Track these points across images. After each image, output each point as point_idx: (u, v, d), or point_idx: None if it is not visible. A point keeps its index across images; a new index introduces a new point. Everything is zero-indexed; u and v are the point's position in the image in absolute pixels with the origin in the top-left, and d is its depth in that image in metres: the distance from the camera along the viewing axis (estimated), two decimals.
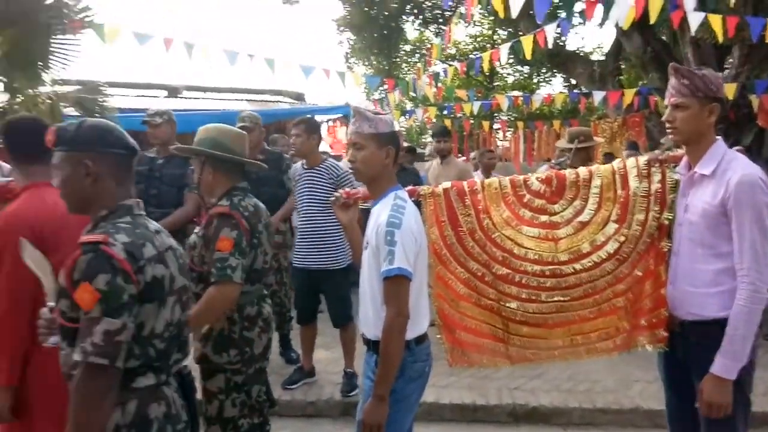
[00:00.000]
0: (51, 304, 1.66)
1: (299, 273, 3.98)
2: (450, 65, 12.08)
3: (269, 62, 6.63)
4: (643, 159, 2.41)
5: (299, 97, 12.96)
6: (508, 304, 2.37)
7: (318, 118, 12.41)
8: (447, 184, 2.45)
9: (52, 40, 5.47)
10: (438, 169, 5.20)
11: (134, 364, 1.49)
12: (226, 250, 2.28)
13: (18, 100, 5.58)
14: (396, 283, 1.92)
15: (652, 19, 4.43)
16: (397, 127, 2.07)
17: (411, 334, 2.01)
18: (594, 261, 2.37)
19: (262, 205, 2.63)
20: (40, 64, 5.51)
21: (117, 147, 1.62)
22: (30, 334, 1.92)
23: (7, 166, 4.54)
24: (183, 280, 1.67)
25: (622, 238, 2.36)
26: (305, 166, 3.92)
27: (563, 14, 7.18)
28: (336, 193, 2.35)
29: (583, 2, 5.53)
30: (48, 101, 5.63)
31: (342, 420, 3.73)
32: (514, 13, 4.95)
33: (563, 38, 10.38)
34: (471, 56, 16.16)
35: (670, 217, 2.28)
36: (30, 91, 5.60)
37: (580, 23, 10.72)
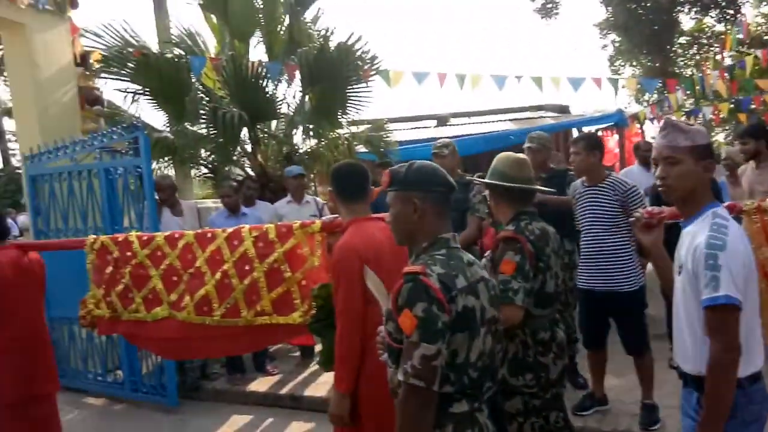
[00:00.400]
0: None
1: (585, 295, 3.80)
2: (742, 53, 10.34)
3: (536, 81, 6.62)
4: None
5: (563, 110, 12.59)
6: None
7: (585, 129, 11.90)
8: None
9: (348, 90, 6.39)
10: (753, 175, 4.37)
11: (449, 389, 1.59)
12: (509, 273, 2.33)
13: (323, 143, 6.65)
14: (723, 313, 1.69)
15: None
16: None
17: (743, 371, 1.75)
18: None
19: (551, 228, 2.61)
20: (340, 111, 6.48)
21: (439, 186, 1.74)
22: (361, 349, 2.22)
23: (312, 200, 5.42)
24: (493, 310, 1.72)
25: None
26: (585, 184, 3.76)
27: None
28: (636, 213, 2.19)
29: None
30: (345, 142, 6.57)
31: None
32: None
33: None
34: (767, 39, 13.64)
35: None
36: (331, 134, 6.62)
37: None
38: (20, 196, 12.61)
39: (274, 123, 6.86)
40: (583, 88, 6.78)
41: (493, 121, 12.13)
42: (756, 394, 1.79)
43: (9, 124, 19.74)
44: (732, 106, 9.30)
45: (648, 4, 12.95)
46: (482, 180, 2.58)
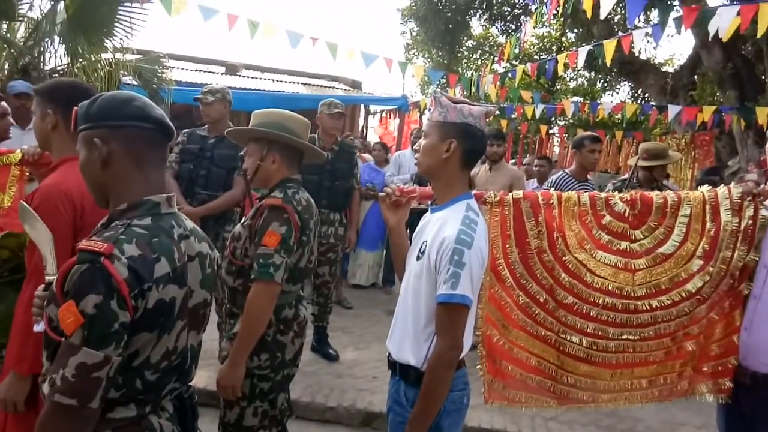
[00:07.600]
0: (49, 277, 1.44)
1: None
2: (514, 65, 11.62)
3: (331, 47, 6.42)
4: (737, 190, 2.11)
5: (355, 85, 12.80)
6: (569, 337, 2.11)
7: (373, 108, 12.20)
8: (519, 194, 2.17)
9: (119, 8, 5.41)
10: (486, 175, 4.67)
11: (114, 395, 1.20)
12: (272, 246, 2.07)
13: (78, 64, 5.54)
14: (455, 312, 1.64)
15: (760, 32, 3.97)
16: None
17: None
18: (673, 299, 2.10)
19: (312, 200, 2.39)
20: (104, 30, 5.46)
21: (136, 120, 1.29)
22: None
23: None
24: (204, 293, 1.37)
25: (707, 277, 2.09)
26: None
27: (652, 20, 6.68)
28: (388, 188, 2.07)
29: (680, 9, 5.08)
30: (107, 68, 5.60)
31: (361, 430, 3.45)
32: (603, 13, 4.64)
33: (650, 46, 9.70)
34: (536, 57, 15.60)
35: (756, 259, 2.07)
36: (91, 56, 5.57)
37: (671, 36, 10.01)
38: None
39: (15, 27, 5.52)
40: (375, 66, 6.79)
41: (286, 82, 11.78)
42: (458, 381, 1.76)
43: None
44: (498, 112, 10.39)
45: (447, 2, 13.70)
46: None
